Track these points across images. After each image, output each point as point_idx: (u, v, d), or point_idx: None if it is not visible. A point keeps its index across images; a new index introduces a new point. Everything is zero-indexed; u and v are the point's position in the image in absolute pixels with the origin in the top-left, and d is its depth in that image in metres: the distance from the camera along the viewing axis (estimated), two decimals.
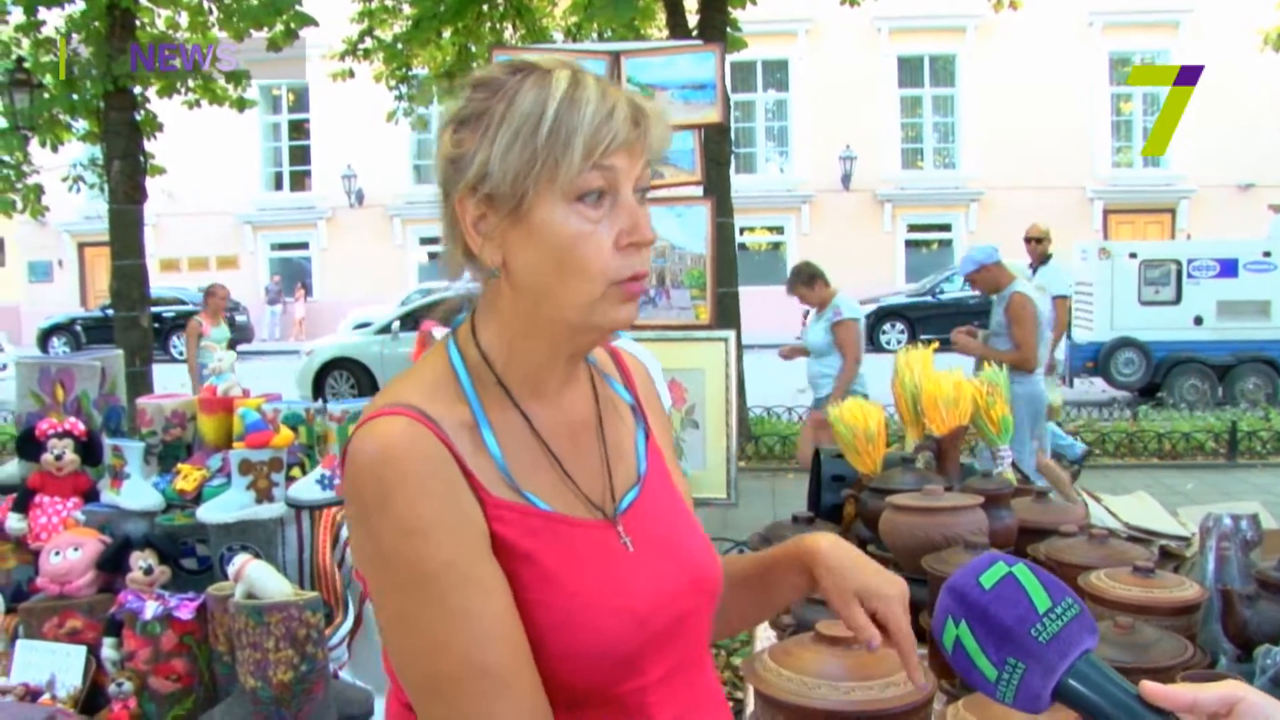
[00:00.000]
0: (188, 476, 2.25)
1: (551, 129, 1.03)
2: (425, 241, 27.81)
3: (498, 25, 11.79)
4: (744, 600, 1.36)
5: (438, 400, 1.10)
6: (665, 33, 10.51)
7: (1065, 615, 0.88)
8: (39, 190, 11.96)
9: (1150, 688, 0.84)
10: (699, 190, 4.06)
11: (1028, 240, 8.72)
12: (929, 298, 21.44)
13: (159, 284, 20.30)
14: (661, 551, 1.18)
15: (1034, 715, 0.91)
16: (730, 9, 10.11)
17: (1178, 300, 12.84)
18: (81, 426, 2.44)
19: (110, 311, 10.28)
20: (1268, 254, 12.84)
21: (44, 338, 23.13)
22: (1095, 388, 13.67)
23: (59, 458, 2.39)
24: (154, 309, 13.27)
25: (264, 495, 2.12)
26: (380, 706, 2.16)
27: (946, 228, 26.82)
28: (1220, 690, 0.83)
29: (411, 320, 14.80)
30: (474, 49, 11.94)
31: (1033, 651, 0.87)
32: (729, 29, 10.18)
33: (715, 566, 1.25)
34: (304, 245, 28.24)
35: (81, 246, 27.72)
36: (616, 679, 1.09)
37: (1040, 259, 8.57)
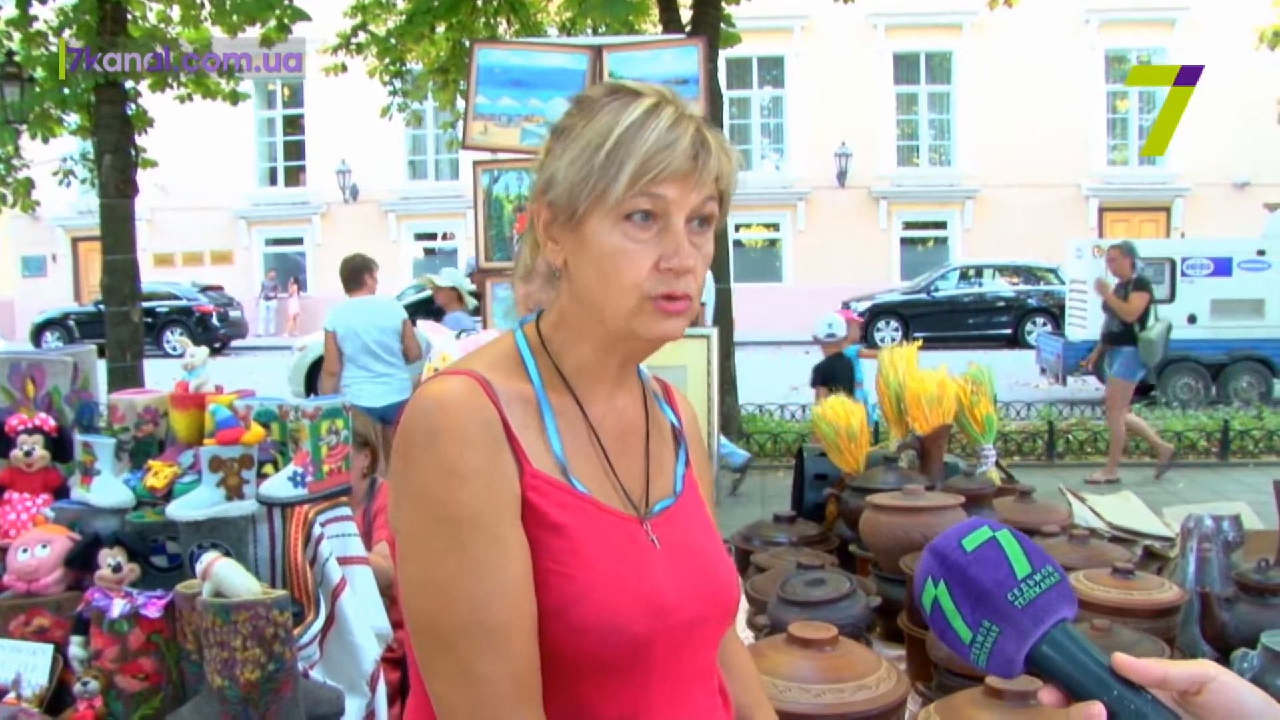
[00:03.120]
0: (159, 473, 2.22)
1: (610, 151, 1.10)
2: (420, 237, 27.80)
3: (491, 20, 11.74)
4: None
5: (500, 373, 1.18)
6: (659, 28, 10.47)
7: (1044, 583, 0.89)
8: (29, 184, 11.90)
9: (1122, 660, 0.85)
10: None
11: None
12: (924, 295, 21.44)
13: (153, 279, 20.31)
14: (686, 557, 1.22)
15: (1008, 679, 0.95)
16: (724, 5, 10.08)
17: (1171, 298, 12.83)
18: (52, 422, 2.41)
19: (103, 306, 10.21)
20: (1262, 252, 12.85)
21: (37, 332, 23.04)
22: (1089, 386, 13.67)
23: (29, 454, 2.36)
24: (147, 304, 13.23)
25: (234, 492, 2.10)
26: (351, 706, 2.13)
27: (942, 225, 26.82)
28: (1192, 669, 0.84)
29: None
30: (467, 44, 11.89)
31: (1008, 615, 0.88)
32: (723, 25, 10.15)
33: (735, 588, 1.29)
34: (298, 240, 28.19)
35: (75, 241, 27.66)
36: (623, 662, 1.13)
37: None
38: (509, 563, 1.08)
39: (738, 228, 25.26)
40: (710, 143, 1.14)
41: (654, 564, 1.17)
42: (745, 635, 2.33)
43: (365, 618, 2.23)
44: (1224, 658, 1.87)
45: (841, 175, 25.96)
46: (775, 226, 27.13)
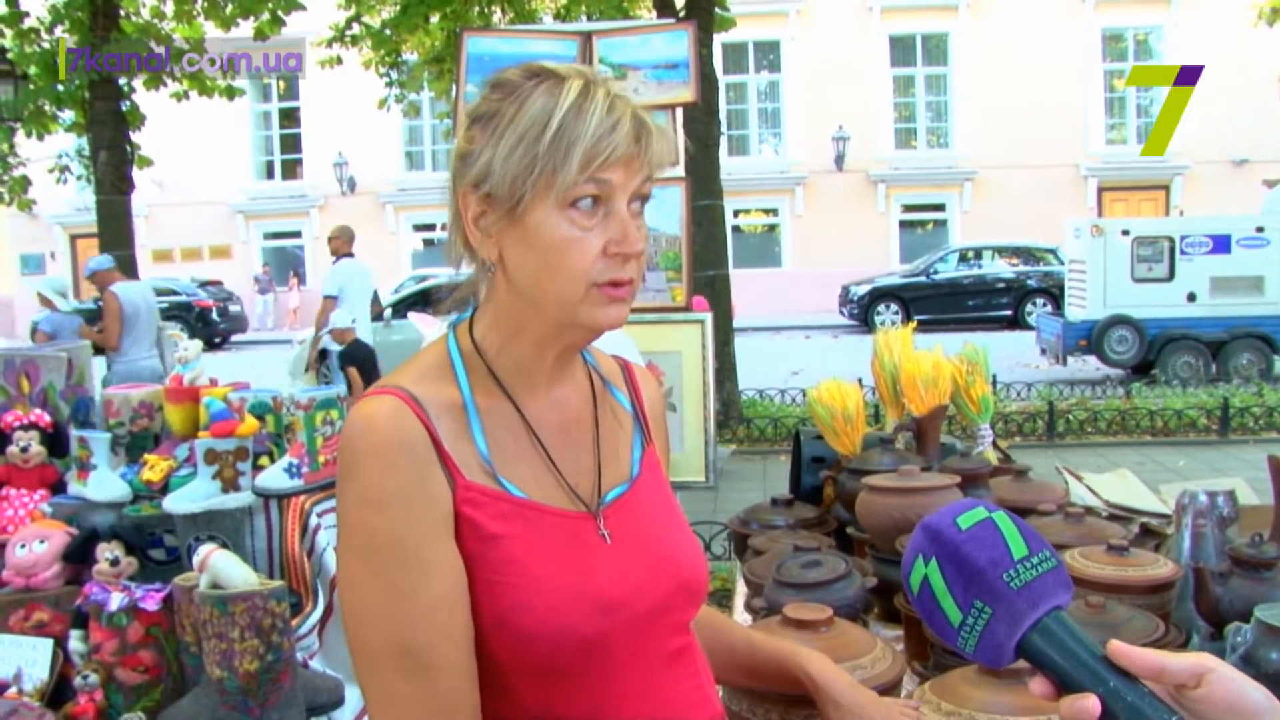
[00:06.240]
0: (155, 467, 2.23)
1: (554, 137, 1.06)
2: (419, 228, 27.77)
3: (486, 9, 11.69)
4: (728, 667, 1.43)
5: (428, 383, 1.14)
6: (653, 14, 10.43)
7: (1041, 566, 0.85)
8: (25, 182, 11.89)
9: (1118, 648, 0.81)
10: (678, 171, 4.04)
11: (330, 240, 9.26)
12: (923, 278, 21.40)
13: (152, 275, 20.24)
14: (641, 547, 1.20)
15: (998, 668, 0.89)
16: None
17: (1171, 277, 12.80)
18: (47, 418, 2.42)
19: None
20: (1261, 229, 12.81)
21: (36, 331, 23.01)
22: (1089, 365, 13.66)
23: (25, 450, 2.37)
24: None
25: (230, 484, 2.11)
26: (351, 695, 2.14)
27: (941, 207, 26.78)
28: (1190, 660, 0.81)
29: (404, 308, 14.78)
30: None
31: (1002, 596, 0.84)
32: (717, 9, 10.12)
33: (699, 570, 1.27)
34: (297, 234, 28.18)
35: (73, 239, 27.62)
36: (577, 663, 1.12)
37: (337, 257, 9.05)
38: (431, 585, 1.07)
39: (736, 213, 25.23)
40: (648, 124, 1.11)
41: (601, 561, 1.15)
42: (743, 618, 2.33)
43: None
44: (1218, 632, 1.87)
45: (839, 159, 25.92)
46: (774, 212, 27.10)
